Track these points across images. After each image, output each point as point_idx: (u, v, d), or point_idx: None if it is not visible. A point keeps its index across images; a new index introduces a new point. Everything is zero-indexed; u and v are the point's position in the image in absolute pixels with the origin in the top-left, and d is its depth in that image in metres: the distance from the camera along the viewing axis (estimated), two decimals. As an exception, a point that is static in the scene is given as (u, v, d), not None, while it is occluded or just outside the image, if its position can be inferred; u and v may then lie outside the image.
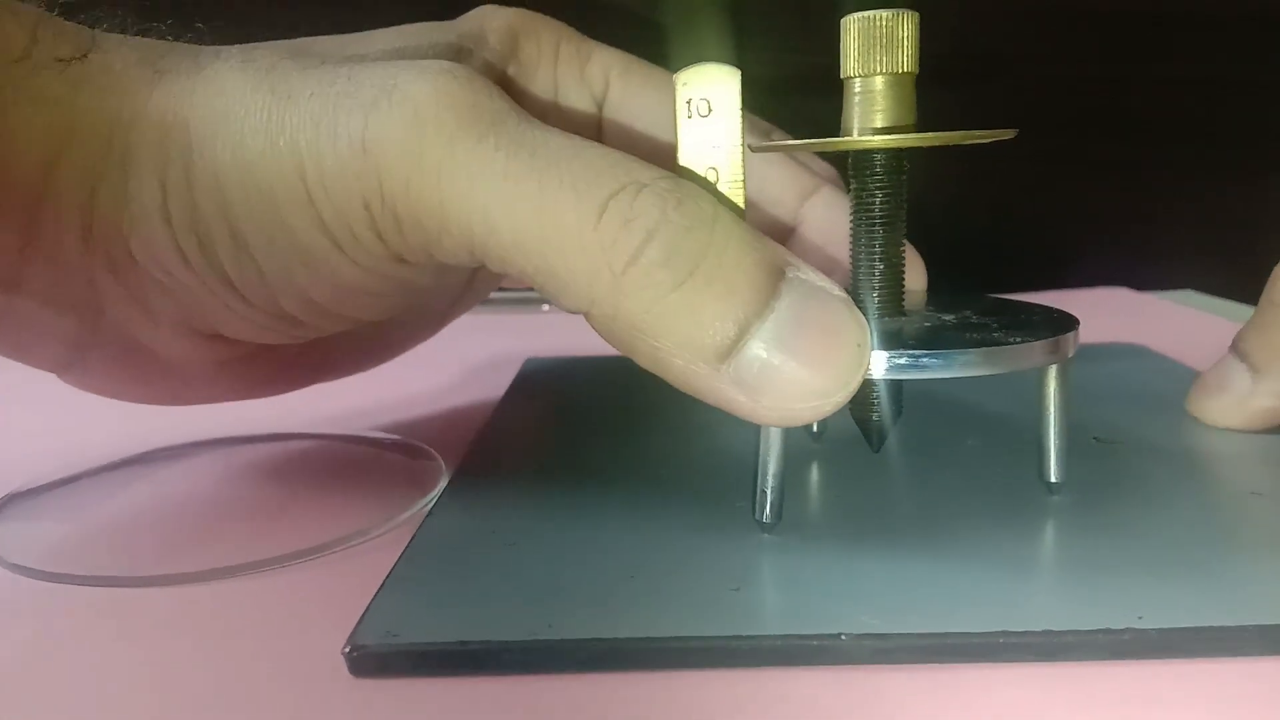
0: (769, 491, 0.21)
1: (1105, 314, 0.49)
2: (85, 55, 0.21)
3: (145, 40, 0.22)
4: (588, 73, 0.28)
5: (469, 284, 0.31)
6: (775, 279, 0.18)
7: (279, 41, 0.24)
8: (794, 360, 0.18)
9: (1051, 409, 0.22)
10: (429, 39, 0.26)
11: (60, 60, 0.20)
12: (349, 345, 0.29)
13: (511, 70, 0.27)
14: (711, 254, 0.18)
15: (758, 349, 0.18)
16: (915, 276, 0.26)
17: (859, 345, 0.18)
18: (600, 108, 0.28)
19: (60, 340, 0.23)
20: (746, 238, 0.18)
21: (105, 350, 0.24)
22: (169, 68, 0.21)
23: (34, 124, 0.20)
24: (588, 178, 0.18)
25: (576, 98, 0.28)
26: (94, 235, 0.21)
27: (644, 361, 0.19)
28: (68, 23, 0.21)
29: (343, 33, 0.26)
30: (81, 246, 0.21)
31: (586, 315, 0.19)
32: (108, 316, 0.23)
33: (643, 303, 0.18)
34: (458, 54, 0.26)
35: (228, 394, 0.27)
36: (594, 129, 0.28)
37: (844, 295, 0.19)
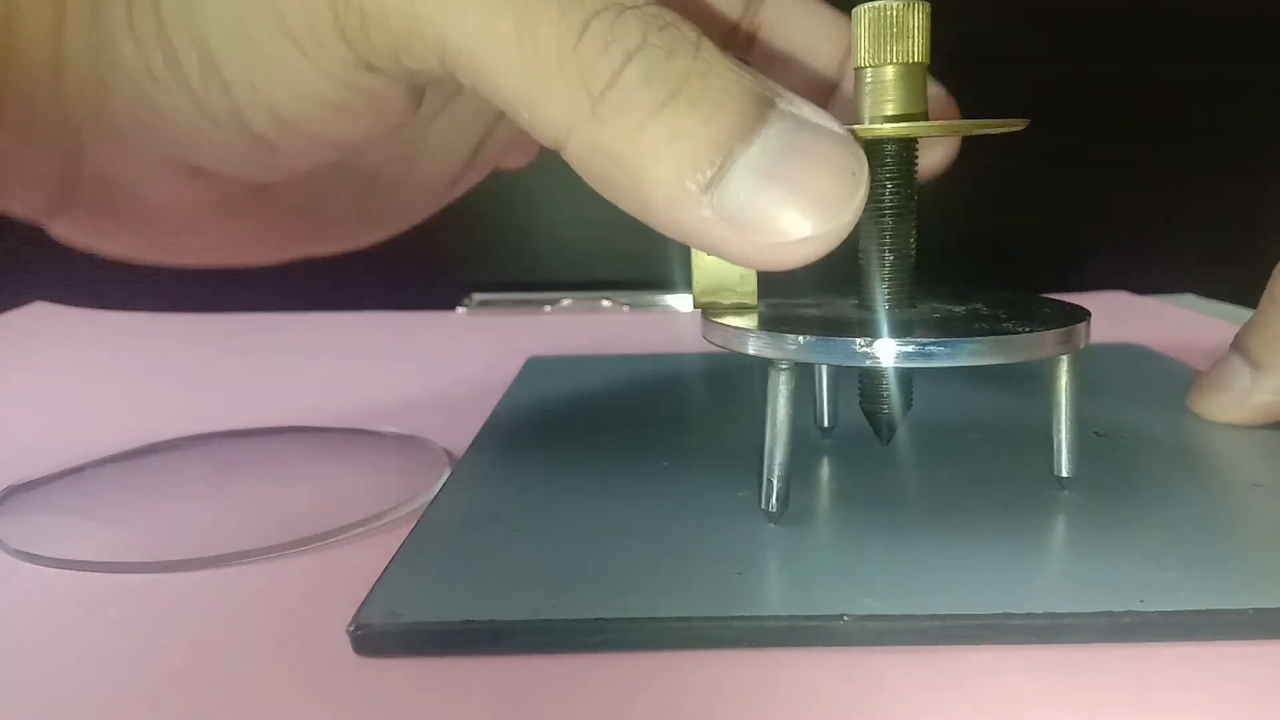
0: (775, 480, 0.21)
1: (1106, 317, 0.49)
2: None
3: None
4: None
5: (470, 159, 0.29)
6: (763, 107, 0.17)
7: None
8: (783, 189, 0.17)
9: (1062, 403, 0.22)
10: None
11: None
12: (342, 208, 0.28)
13: None
14: (694, 78, 0.17)
15: (744, 176, 0.17)
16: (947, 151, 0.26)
17: (854, 174, 0.17)
18: None
19: (41, 185, 0.23)
20: (732, 64, 0.17)
21: (90, 197, 0.23)
22: None
23: None
24: None
25: None
26: (64, 64, 0.20)
27: (624, 199, 0.18)
28: None
29: None
30: (53, 76, 0.21)
31: (563, 149, 0.18)
32: (88, 156, 0.22)
33: (622, 129, 0.17)
34: None
35: (219, 250, 0.26)
36: None
37: (842, 131, 0.18)
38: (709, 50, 0.17)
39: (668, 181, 0.17)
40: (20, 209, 0.24)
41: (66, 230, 0.25)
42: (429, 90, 0.22)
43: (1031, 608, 0.17)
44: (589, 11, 0.17)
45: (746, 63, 0.18)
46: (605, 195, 0.18)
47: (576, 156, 0.18)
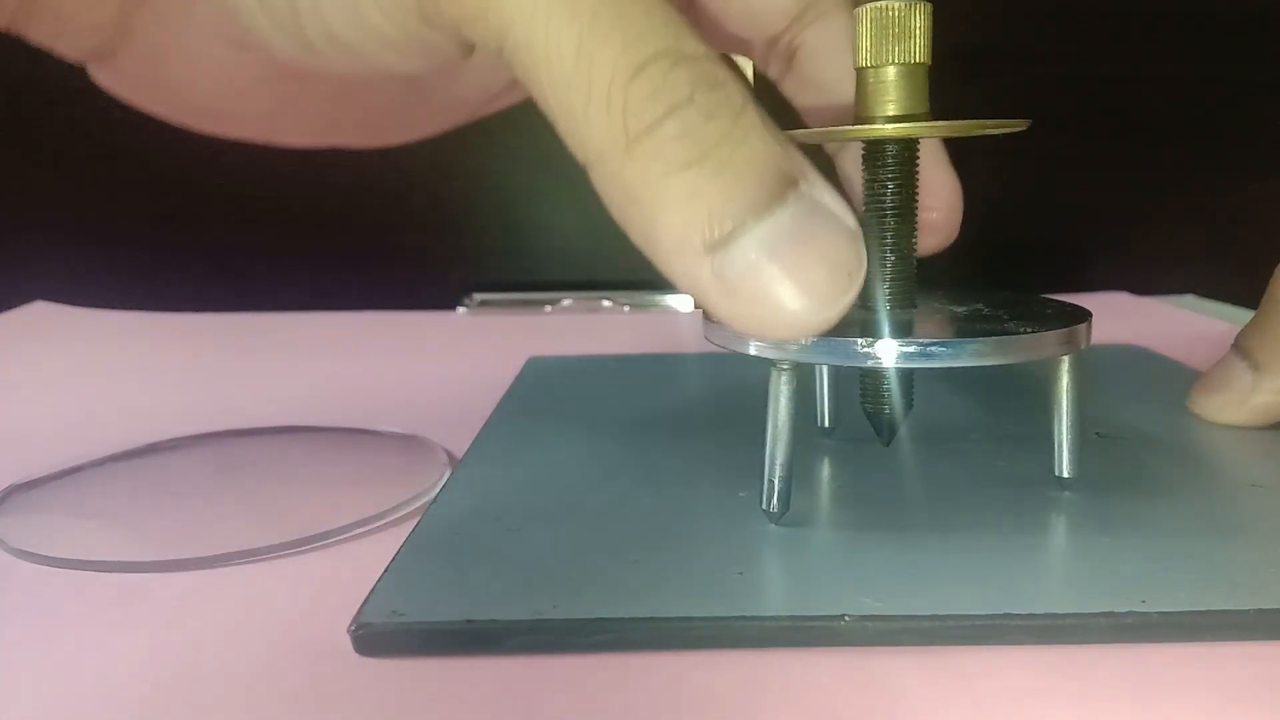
0: (776, 481, 0.21)
1: (1106, 318, 0.49)
2: None
3: None
4: None
5: (510, 83, 0.29)
6: (785, 187, 0.18)
7: None
8: (780, 270, 0.17)
9: (1064, 404, 0.22)
10: None
11: None
12: (381, 101, 0.28)
13: None
14: (726, 145, 0.17)
15: (747, 249, 0.17)
16: (953, 213, 0.26)
17: (850, 274, 0.18)
18: None
19: (96, 28, 0.23)
20: (768, 139, 0.18)
21: (140, 47, 0.23)
22: None
23: None
24: (640, 29, 0.17)
25: None
26: None
27: (634, 234, 0.18)
28: None
29: None
30: None
31: (589, 169, 0.18)
32: (146, 7, 0.22)
33: (648, 173, 0.17)
34: None
35: (255, 123, 0.26)
36: None
37: (853, 225, 0.18)
38: (749, 118, 0.18)
39: (677, 233, 0.17)
40: (67, 49, 0.24)
41: (109, 79, 0.25)
42: None
43: (1032, 608, 0.17)
44: (648, 54, 0.17)
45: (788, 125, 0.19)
46: (617, 220, 0.18)
47: (600, 180, 0.18)
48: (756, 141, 0.18)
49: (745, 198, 0.17)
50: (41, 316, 0.55)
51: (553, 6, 0.18)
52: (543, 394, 0.34)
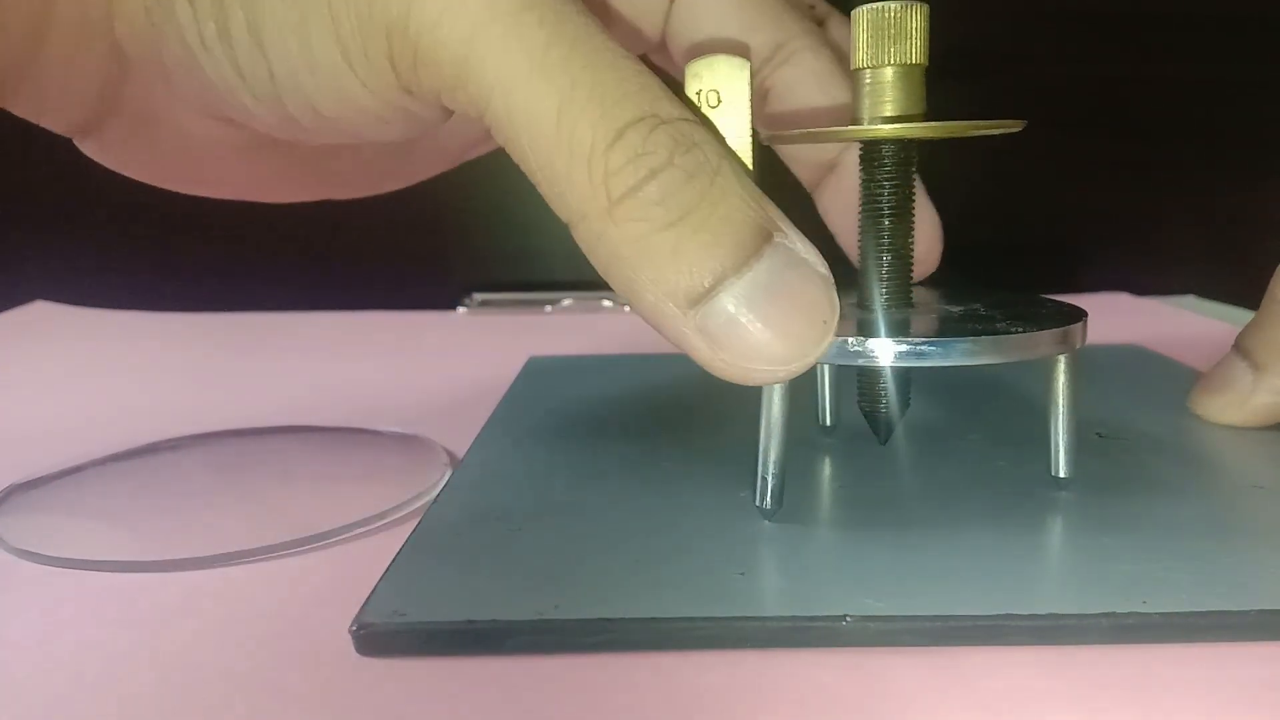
0: (770, 478, 0.21)
1: (1106, 318, 0.49)
2: None
3: None
4: None
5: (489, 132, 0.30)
6: (760, 241, 0.18)
7: None
8: (759, 322, 0.18)
9: (1060, 403, 0.22)
10: None
11: None
12: (364, 159, 0.28)
13: None
14: (705, 205, 0.18)
15: (727, 303, 0.18)
16: (933, 247, 0.26)
17: (825, 322, 0.19)
18: (668, 14, 0.27)
19: (80, 105, 0.23)
20: (743, 195, 0.18)
21: (125, 120, 0.24)
22: None
23: None
24: (616, 95, 0.18)
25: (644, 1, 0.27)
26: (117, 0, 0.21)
27: (617, 287, 0.19)
28: None
29: None
30: (105, 8, 0.21)
31: (571, 228, 0.19)
32: (128, 87, 0.23)
33: (629, 234, 0.18)
34: None
35: (239, 187, 0.27)
36: (658, 28, 0.27)
37: (825, 272, 0.19)
38: (726, 177, 0.18)
39: (659, 290, 0.18)
40: (52, 123, 0.24)
41: (96, 149, 0.25)
42: None
43: (1034, 609, 0.17)
44: (627, 120, 0.18)
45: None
46: (600, 273, 0.19)
47: (582, 238, 0.19)
48: (734, 199, 0.18)
49: (724, 255, 0.18)
50: (41, 316, 0.55)
51: (532, 76, 0.18)
52: (543, 394, 0.34)
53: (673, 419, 0.30)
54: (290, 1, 0.20)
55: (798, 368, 0.19)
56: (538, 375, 0.37)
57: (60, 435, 0.32)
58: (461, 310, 0.56)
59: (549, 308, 0.56)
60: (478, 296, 0.57)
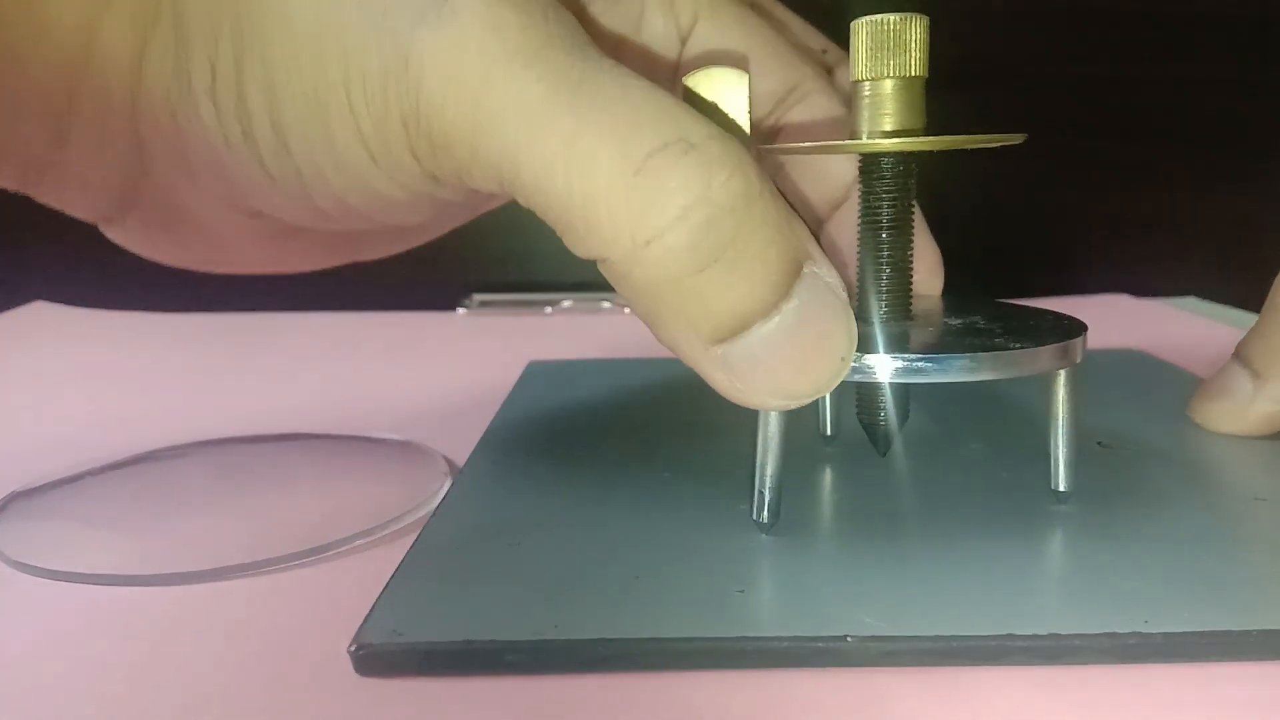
0: (766, 492, 0.21)
1: (1107, 320, 0.49)
2: None
3: None
4: (677, 1, 0.26)
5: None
6: (792, 277, 0.18)
7: None
8: (782, 361, 0.18)
9: (1060, 417, 0.22)
10: None
11: None
12: (388, 235, 0.29)
13: None
14: (740, 241, 0.17)
15: (753, 344, 0.18)
16: (932, 281, 0.26)
17: (843, 359, 0.19)
18: (684, 43, 0.26)
19: (104, 195, 0.23)
20: (779, 223, 0.18)
21: (148, 211, 0.24)
22: None
23: None
24: (631, 126, 0.17)
25: (660, 27, 0.26)
26: (141, 97, 0.21)
27: (638, 315, 0.19)
28: None
29: None
30: (128, 107, 0.21)
31: (598, 264, 0.19)
32: (152, 178, 0.23)
33: (655, 278, 0.18)
34: None
35: (263, 265, 0.27)
36: (671, 67, 0.26)
37: (845, 298, 0.19)
38: (766, 203, 0.18)
39: (683, 326, 0.18)
40: (78, 212, 0.24)
41: (120, 236, 0.25)
42: None
43: (1035, 628, 0.17)
44: (647, 149, 0.17)
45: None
46: (620, 297, 0.19)
47: (607, 275, 0.18)
48: (770, 230, 0.18)
49: (756, 299, 0.18)
50: (41, 316, 0.55)
51: (534, 133, 0.18)
52: (542, 400, 0.34)
53: (673, 425, 0.30)
54: (312, 101, 0.19)
55: (811, 399, 0.19)
56: (537, 380, 0.37)
57: (60, 440, 0.32)
58: (461, 311, 0.56)
59: (549, 309, 0.55)
60: (477, 297, 0.57)
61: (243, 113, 0.20)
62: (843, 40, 0.22)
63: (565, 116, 0.17)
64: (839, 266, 0.19)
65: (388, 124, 0.19)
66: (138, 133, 0.22)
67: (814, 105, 0.27)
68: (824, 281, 0.18)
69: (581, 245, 0.18)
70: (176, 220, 0.24)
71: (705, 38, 0.26)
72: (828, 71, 0.28)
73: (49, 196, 0.24)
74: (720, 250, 0.17)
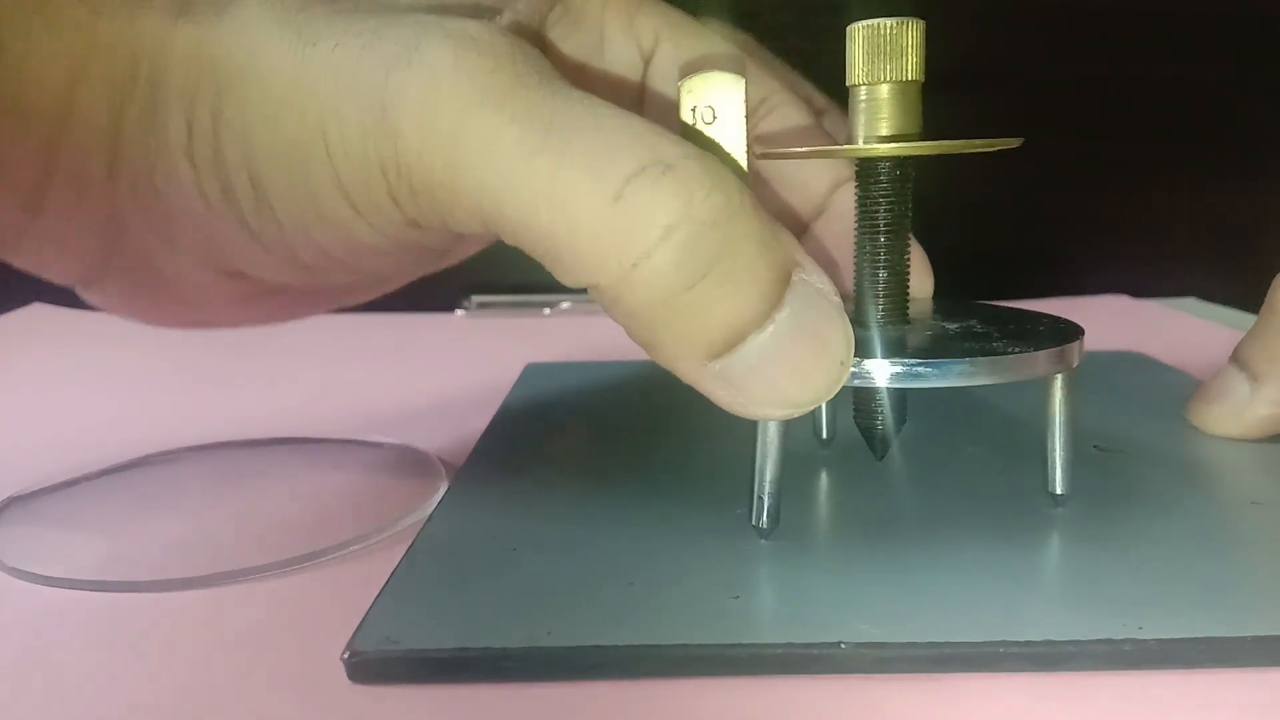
0: (766, 498, 0.21)
1: (1105, 321, 0.49)
2: None
3: None
4: (637, 24, 0.26)
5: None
6: (783, 285, 0.18)
7: None
8: (781, 370, 0.18)
9: (1057, 420, 0.22)
10: None
11: None
12: (375, 283, 0.29)
13: (555, 14, 0.25)
14: (727, 255, 0.17)
15: (750, 355, 0.18)
16: (923, 282, 0.26)
17: (842, 363, 0.19)
18: (647, 65, 0.26)
19: (81, 259, 0.23)
20: (764, 234, 0.18)
21: (126, 275, 0.24)
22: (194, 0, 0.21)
23: (52, 47, 0.20)
24: (607, 154, 0.17)
25: (622, 51, 0.26)
26: (119, 162, 0.21)
27: (633, 339, 0.19)
28: None
29: None
30: (105, 173, 0.21)
31: (589, 291, 0.19)
32: (129, 241, 0.23)
33: (646, 300, 0.18)
34: None
35: (243, 321, 0.27)
36: (636, 89, 0.27)
37: (838, 302, 0.19)
38: (747, 216, 0.18)
39: (678, 347, 0.18)
40: (56, 276, 0.24)
41: (97, 298, 0.25)
42: None
43: (1029, 635, 0.17)
44: (627, 171, 0.17)
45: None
46: (614, 319, 0.19)
47: (600, 302, 0.18)
48: (755, 242, 0.18)
49: (748, 311, 0.18)
50: (40, 318, 0.55)
51: (513, 173, 0.18)
52: (540, 403, 0.34)
53: (670, 427, 0.30)
54: (290, 153, 0.20)
55: (813, 406, 0.19)
56: (535, 382, 0.37)
57: (57, 443, 0.32)
58: (459, 313, 0.56)
59: (547, 310, 0.55)
60: (476, 299, 0.57)
61: (221, 169, 0.20)
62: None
63: (541, 154, 0.18)
64: (829, 273, 0.19)
65: (367, 172, 0.19)
66: (115, 199, 0.22)
67: (784, 116, 0.27)
68: (815, 288, 0.18)
69: (570, 275, 0.18)
70: (154, 284, 0.24)
71: (669, 59, 0.26)
72: (818, 114, 0.28)
73: (25, 261, 0.24)
74: (707, 266, 0.17)
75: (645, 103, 0.27)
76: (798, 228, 0.28)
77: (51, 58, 0.20)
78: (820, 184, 0.27)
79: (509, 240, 0.19)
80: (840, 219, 0.27)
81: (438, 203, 0.19)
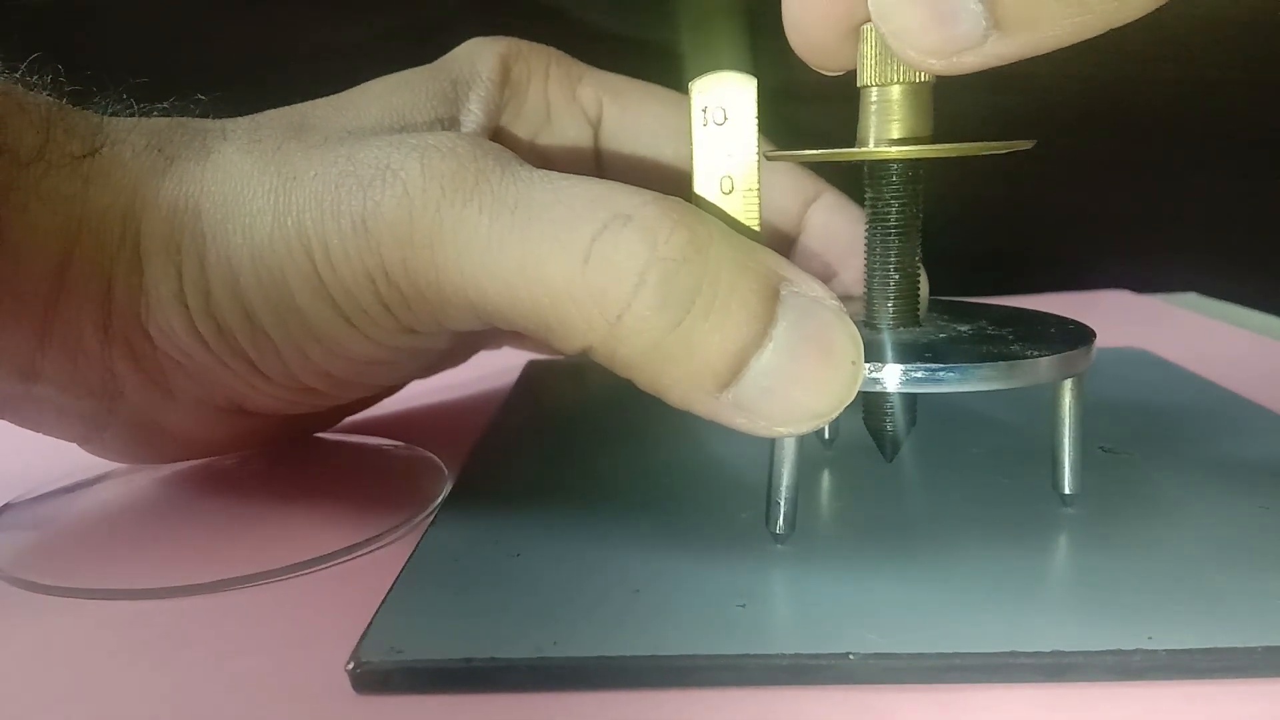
0: (782, 503, 0.21)
1: (1107, 317, 0.49)
2: (96, 151, 0.21)
3: (152, 122, 0.23)
4: (580, 93, 0.28)
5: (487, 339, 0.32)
6: (771, 302, 0.18)
7: (278, 112, 0.24)
8: (793, 384, 0.18)
9: (1066, 421, 0.22)
10: (424, 90, 0.26)
11: (73, 158, 0.21)
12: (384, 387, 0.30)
13: (505, 96, 0.27)
14: (706, 286, 0.18)
15: (758, 378, 0.18)
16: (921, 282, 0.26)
17: (854, 363, 0.18)
18: (596, 129, 0.28)
19: (80, 420, 0.24)
20: (740, 259, 0.18)
21: (124, 429, 0.25)
22: (177, 153, 0.22)
23: (48, 223, 0.21)
24: (569, 221, 0.18)
25: (570, 121, 0.28)
26: (113, 325, 0.22)
27: (643, 387, 0.19)
28: (78, 112, 0.22)
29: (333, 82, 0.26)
30: (100, 336, 0.22)
31: (586, 354, 0.19)
32: (126, 399, 0.23)
33: (639, 347, 0.18)
34: (453, 102, 0.26)
35: (246, 448, 0.28)
36: (590, 154, 0.28)
37: (837, 305, 0.19)
38: (719, 244, 0.18)
39: (685, 386, 0.18)
40: (57, 436, 0.25)
41: (97, 450, 0.26)
42: None
43: (1038, 645, 0.17)
44: (590, 233, 0.18)
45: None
46: (621, 375, 0.19)
47: (602, 362, 0.19)
48: (733, 267, 0.18)
49: (741, 334, 0.18)
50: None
51: (485, 258, 0.18)
52: (541, 400, 0.34)
53: (672, 425, 0.30)
54: (280, 282, 0.21)
55: (837, 412, 0.19)
56: (537, 378, 0.36)
57: (55, 447, 0.32)
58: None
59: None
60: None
61: (214, 306, 0.21)
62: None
63: (510, 235, 0.18)
64: (825, 278, 0.19)
65: (357, 285, 0.20)
66: (110, 362, 0.22)
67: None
68: (807, 297, 0.18)
69: (566, 343, 0.19)
70: (155, 432, 0.25)
71: (615, 120, 0.28)
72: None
73: (26, 421, 0.24)
74: (689, 300, 0.18)
75: (602, 163, 0.28)
76: (784, 245, 0.29)
77: (48, 232, 0.21)
78: (792, 203, 0.28)
79: (504, 325, 0.20)
80: (820, 233, 0.28)
81: (429, 304, 0.20)
